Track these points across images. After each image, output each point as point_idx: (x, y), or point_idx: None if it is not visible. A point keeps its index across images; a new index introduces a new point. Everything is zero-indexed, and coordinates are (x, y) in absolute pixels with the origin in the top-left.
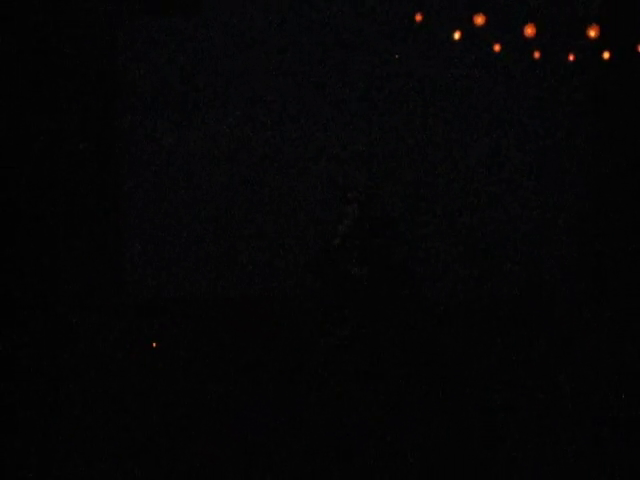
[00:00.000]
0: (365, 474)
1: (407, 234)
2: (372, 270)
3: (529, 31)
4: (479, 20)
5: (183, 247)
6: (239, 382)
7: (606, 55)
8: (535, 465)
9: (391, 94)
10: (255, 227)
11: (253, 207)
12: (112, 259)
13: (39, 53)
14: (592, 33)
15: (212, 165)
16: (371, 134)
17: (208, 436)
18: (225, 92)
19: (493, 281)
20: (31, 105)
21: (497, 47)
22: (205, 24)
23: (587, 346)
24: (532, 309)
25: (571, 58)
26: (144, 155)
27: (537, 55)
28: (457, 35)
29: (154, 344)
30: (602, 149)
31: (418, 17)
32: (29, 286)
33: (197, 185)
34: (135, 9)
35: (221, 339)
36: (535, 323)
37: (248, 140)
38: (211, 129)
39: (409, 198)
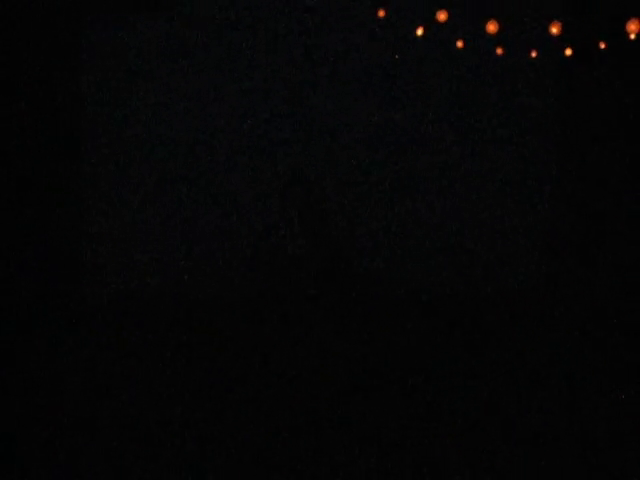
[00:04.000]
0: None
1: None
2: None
3: (491, 28)
4: (442, 16)
5: (142, 245)
6: (200, 378)
7: (568, 52)
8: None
9: (356, 83)
10: (210, 222)
11: (211, 203)
12: (71, 259)
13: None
14: (554, 30)
15: (173, 163)
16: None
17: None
18: (189, 91)
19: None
20: None
21: (460, 44)
22: (174, 23)
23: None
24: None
25: (533, 55)
26: (105, 154)
27: (499, 52)
28: (420, 31)
29: None
30: (568, 146)
31: (381, 13)
32: None
33: (157, 184)
34: (98, 12)
35: (181, 335)
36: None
37: (212, 140)
38: (172, 129)
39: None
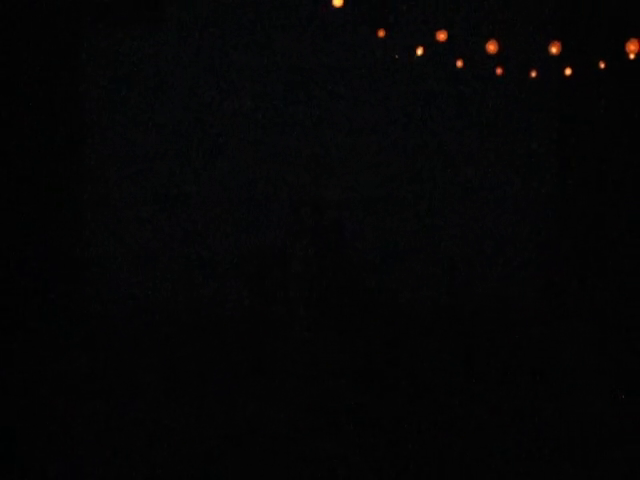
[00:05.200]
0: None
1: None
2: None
3: (491, 47)
4: (441, 36)
5: (141, 247)
6: (198, 387)
7: (568, 71)
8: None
9: (355, 105)
10: (212, 226)
11: (213, 207)
12: (71, 260)
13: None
14: (554, 49)
15: (173, 174)
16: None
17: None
18: (183, 101)
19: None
20: None
21: (459, 63)
22: (167, 36)
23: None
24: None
25: (533, 74)
26: (107, 165)
27: (499, 71)
28: (420, 51)
29: None
30: (568, 165)
31: (380, 33)
32: None
33: (157, 185)
34: (98, 20)
35: (180, 337)
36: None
37: (209, 151)
38: (174, 133)
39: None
